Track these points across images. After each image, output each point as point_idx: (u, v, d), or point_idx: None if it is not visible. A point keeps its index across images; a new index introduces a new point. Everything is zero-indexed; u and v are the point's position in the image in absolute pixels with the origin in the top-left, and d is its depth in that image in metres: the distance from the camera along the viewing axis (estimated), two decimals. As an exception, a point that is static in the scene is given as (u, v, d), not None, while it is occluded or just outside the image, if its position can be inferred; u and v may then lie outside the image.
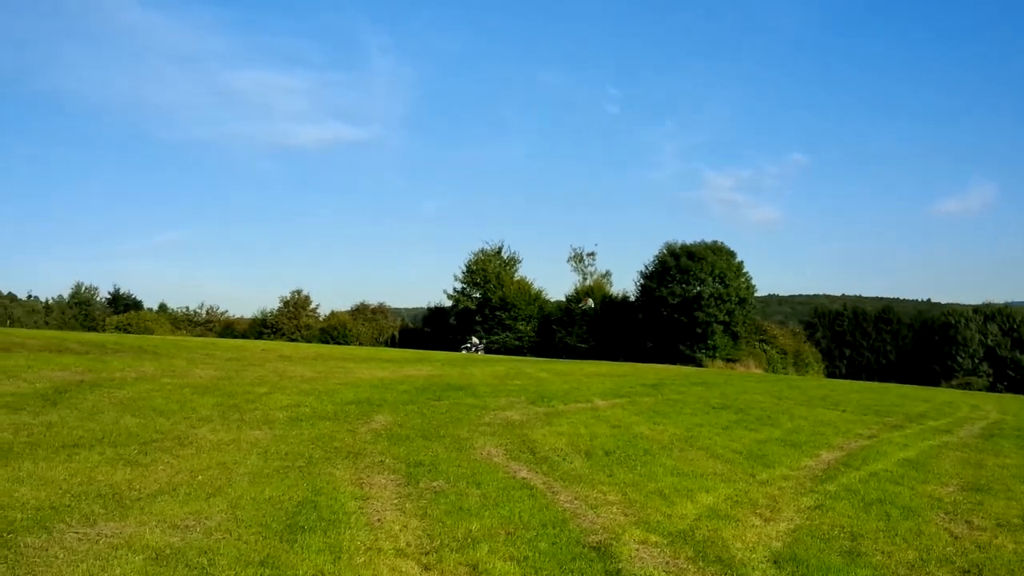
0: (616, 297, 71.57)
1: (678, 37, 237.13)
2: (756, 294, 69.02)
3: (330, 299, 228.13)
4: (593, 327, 67.60)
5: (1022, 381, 77.69)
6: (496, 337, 68.54)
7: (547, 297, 74.04)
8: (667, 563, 6.93)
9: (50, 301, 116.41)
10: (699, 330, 62.00)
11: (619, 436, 13.35)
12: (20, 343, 19.82)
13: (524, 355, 58.05)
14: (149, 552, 6.14)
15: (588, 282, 74.54)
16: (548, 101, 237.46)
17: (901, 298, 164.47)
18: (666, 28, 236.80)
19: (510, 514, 7.98)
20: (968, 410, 25.74)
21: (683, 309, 62.35)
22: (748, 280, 64.85)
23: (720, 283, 62.62)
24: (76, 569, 5.73)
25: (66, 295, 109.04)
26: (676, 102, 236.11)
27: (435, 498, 8.43)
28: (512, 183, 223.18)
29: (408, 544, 6.88)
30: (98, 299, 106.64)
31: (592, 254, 76.83)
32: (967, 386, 69.88)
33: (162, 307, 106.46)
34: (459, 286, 74.27)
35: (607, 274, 76.20)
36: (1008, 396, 46.88)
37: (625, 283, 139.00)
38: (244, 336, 76.20)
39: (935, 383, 70.70)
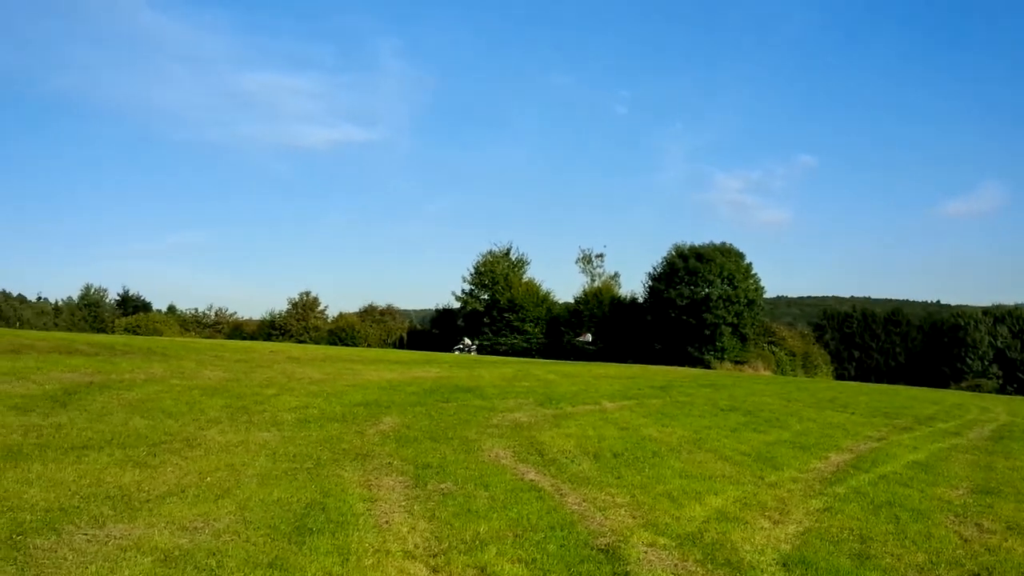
0: (624, 299, 71.59)
1: (687, 38, 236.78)
2: (765, 296, 68.99)
3: (338, 301, 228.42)
4: (601, 329, 67.58)
5: (1032, 383, 77.45)
6: (504, 339, 68.58)
7: (555, 299, 74.18)
8: (675, 565, 6.92)
9: (59, 303, 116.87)
10: (707, 332, 61.97)
11: (627, 438, 13.34)
12: (30, 345, 19.88)
13: (532, 357, 58.07)
14: (158, 554, 6.15)
15: (596, 283, 74.72)
16: (556, 102, 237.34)
17: (910, 300, 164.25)
18: (675, 29, 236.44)
19: (518, 516, 7.97)
20: (978, 412, 25.68)
21: (691, 311, 62.33)
22: (757, 282, 64.83)
23: (729, 285, 62.58)
24: (85, 571, 5.74)
25: (75, 297, 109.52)
26: (685, 103, 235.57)
27: (443, 500, 8.42)
28: (521, 184, 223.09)
29: (416, 546, 6.87)
30: (107, 301, 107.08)
31: (601, 255, 77.06)
32: (977, 388, 69.76)
33: (171, 309, 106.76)
34: (467, 288, 74.55)
35: (615, 276, 76.46)
36: (1018, 398, 46.76)
37: (633, 284, 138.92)
38: (252, 338, 76.43)
39: (944, 385, 70.59)
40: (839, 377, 78.18)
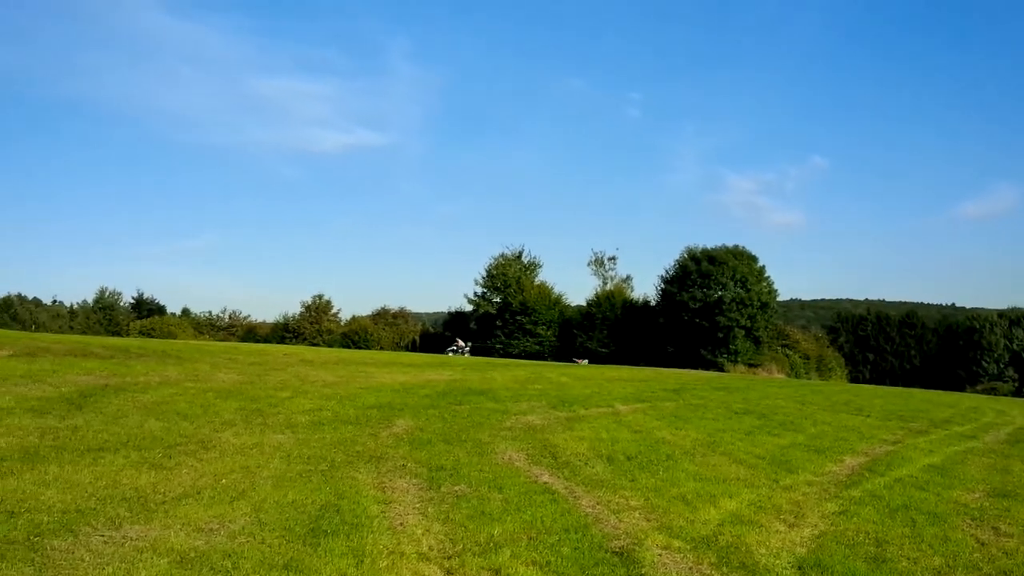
0: (636, 301, 71.48)
1: (699, 40, 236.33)
2: (778, 299, 68.79)
3: (351, 304, 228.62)
4: (614, 332, 67.52)
5: (1048, 386, 77.03)
6: (516, 342, 68.58)
7: (567, 301, 74.11)
8: (690, 568, 6.91)
9: (75, 306, 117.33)
10: (720, 335, 61.86)
11: (641, 441, 13.33)
12: (45, 348, 19.99)
13: (545, 360, 58.05)
14: (174, 555, 6.18)
15: (608, 286, 74.59)
16: (568, 105, 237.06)
17: (925, 302, 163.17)
18: (686, 31, 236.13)
19: (532, 519, 7.98)
20: (994, 415, 25.54)
21: (704, 314, 62.22)
22: (770, 284, 64.69)
23: (741, 287, 62.44)
24: (102, 572, 5.77)
25: (90, 300, 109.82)
26: (697, 105, 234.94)
27: (457, 502, 8.43)
28: (532, 187, 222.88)
29: (430, 548, 6.88)
30: (122, 304, 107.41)
31: (613, 258, 76.95)
32: (992, 391, 69.34)
33: (185, 312, 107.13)
34: (479, 291, 74.57)
35: (627, 278, 76.27)
36: (1034, 401, 46.47)
37: (646, 287, 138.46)
38: (266, 341, 76.58)
39: (960, 388, 70.28)
40: (853, 380, 77.81)
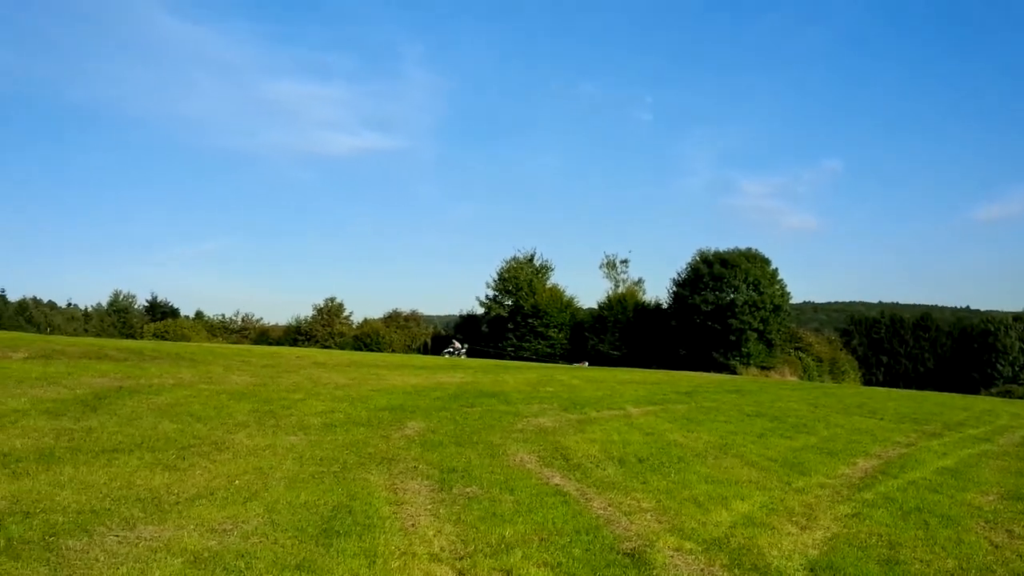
0: (649, 304, 71.36)
1: (712, 44, 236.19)
2: (791, 301, 68.55)
3: (363, 306, 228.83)
4: (626, 335, 67.45)
5: (1063, 389, 76.53)
6: (528, 344, 68.56)
7: (579, 304, 74.03)
8: (702, 570, 6.92)
9: (89, 309, 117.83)
10: (733, 337, 61.70)
11: (652, 443, 13.32)
12: (60, 350, 20.09)
13: (556, 362, 58.03)
14: (187, 555, 6.22)
15: (621, 289, 74.43)
16: (580, 109, 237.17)
17: (939, 305, 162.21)
18: (699, 35, 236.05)
19: (544, 520, 7.99)
20: (1008, 418, 25.42)
21: (716, 316, 62.08)
22: (783, 287, 64.50)
23: (754, 290, 62.28)
24: (116, 572, 5.81)
25: (104, 303, 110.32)
26: (710, 109, 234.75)
27: (468, 504, 8.45)
28: (545, 191, 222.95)
29: (442, 549, 6.91)
30: (136, 307, 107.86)
31: (625, 261, 76.78)
32: (1007, 394, 68.96)
33: (198, 315, 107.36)
34: (491, 293, 74.58)
35: (640, 281, 76.10)
36: (1048, 405, 46.22)
37: (658, 290, 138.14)
38: (279, 343, 76.70)
39: (974, 391, 69.91)
40: (867, 383, 77.53)
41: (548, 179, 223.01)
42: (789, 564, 7.27)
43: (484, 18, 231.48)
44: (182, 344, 39.79)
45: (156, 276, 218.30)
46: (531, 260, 75.53)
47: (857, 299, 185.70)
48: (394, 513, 7.90)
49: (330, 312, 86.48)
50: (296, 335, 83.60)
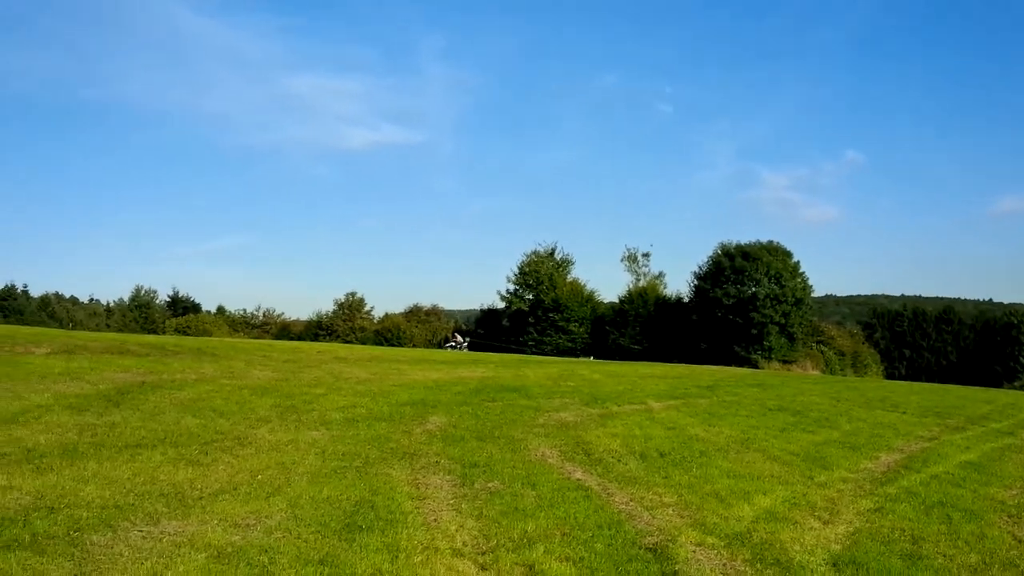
0: (669, 298, 71.16)
1: (733, 35, 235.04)
2: (813, 295, 68.26)
3: (384, 301, 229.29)
4: (647, 329, 67.30)
5: (1088, 382, 75.87)
6: (549, 339, 68.53)
7: (600, 298, 73.91)
8: (724, 565, 6.90)
9: (111, 304, 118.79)
10: (754, 331, 61.42)
11: (674, 438, 13.29)
12: (83, 345, 20.22)
13: (577, 357, 57.97)
14: (211, 550, 6.25)
15: (642, 283, 74.24)
16: (601, 102, 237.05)
17: (962, 298, 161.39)
18: (721, 26, 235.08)
19: (565, 515, 7.99)
20: (1032, 412, 25.21)
21: (738, 310, 61.83)
22: (804, 280, 64.17)
23: (776, 284, 61.99)
24: (141, 567, 5.84)
25: (126, 298, 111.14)
26: (731, 101, 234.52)
27: (490, 499, 8.46)
28: (565, 184, 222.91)
29: (464, 544, 6.91)
30: (157, 302, 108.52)
31: (647, 254, 76.54)
32: (1031, 388, 68.43)
33: (220, 310, 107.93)
34: (512, 288, 74.51)
35: (660, 275, 75.84)
36: (1074, 398, 45.81)
37: (679, 284, 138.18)
38: (300, 338, 76.98)
39: (997, 384, 69.40)
40: (889, 377, 77.05)
41: (568, 172, 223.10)
42: (812, 559, 7.24)
43: (503, 11, 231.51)
44: (204, 339, 39.97)
45: (178, 271, 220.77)
46: (552, 254, 75.48)
47: (879, 292, 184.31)
48: (416, 508, 7.92)
49: (351, 307, 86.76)
50: (317, 330, 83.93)
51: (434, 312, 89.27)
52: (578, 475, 9.92)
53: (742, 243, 65.24)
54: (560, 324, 69.26)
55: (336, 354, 27.96)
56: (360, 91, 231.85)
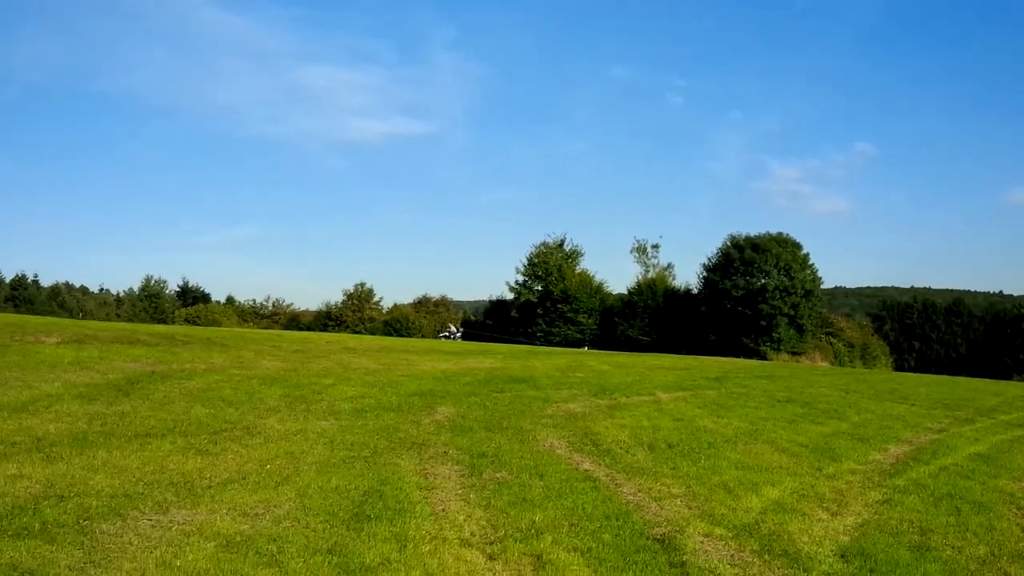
0: (679, 290, 71.10)
1: (745, 27, 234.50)
2: (822, 286, 68.15)
3: (393, 292, 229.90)
4: (655, 320, 67.24)
5: (1099, 375, 75.52)
6: (557, 330, 68.50)
7: (609, 290, 73.85)
8: (732, 556, 6.90)
9: (121, 294, 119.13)
10: (763, 323, 61.34)
11: (682, 429, 13.28)
12: (93, 335, 20.26)
13: (583, 348, 57.95)
14: (220, 539, 6.27)
15: (650, 274, 74.15)
16: (612, 94, 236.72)
17: (972, 290, 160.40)
18: (733, 18, 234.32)
19: (573, 505, 8.00)
20: (1042, 404, 25.13)
21: (747, 302, 61.73)
22: (814, 272, 64.05)
23: (785, 275, 61.88)
24: (150, 555, 5.87)
25: (136, 288, 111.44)
26: (742, 93, 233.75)
27: (498, 489, 8.47)
28: (575, 175, 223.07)
29: (472, 534, 6.93)
30: (167, 292, 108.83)
31: (656, 246, 76.42)
32: (1041, 380, 68.21)
33: (229, 300, 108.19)
34: (521, 279, 74.48)
35: (669, 267, 75.74)
36: (1084, 391, 45.62)
37: (688, 276, 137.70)
38: (309, 328, 77.08)
39: (1007, 377, 69.14)
40: (899, 369, 76.86)
41: (578, 164, 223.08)
42: (820, 550, 7.24)
43: (513, 3, 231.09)
44: (213, 329, 40.06)
45: (187, 261, 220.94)
46: (561, 245, 75.42)
47: (889, 284, 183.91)
48: (424, 498, 7.93)
49: (360, 297, 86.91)
50: (326, 320, 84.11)
51: (443, 303, 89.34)
52: (586, 466, 9.93)
53: (752, 235, 65.23)
54: (569, 315, 69.22)
55: (345, 344, 27.99)
56: (371, 82, 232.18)
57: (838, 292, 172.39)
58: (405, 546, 6.44)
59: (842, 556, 7.15)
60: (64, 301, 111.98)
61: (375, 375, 17.69)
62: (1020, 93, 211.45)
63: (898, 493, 9.81)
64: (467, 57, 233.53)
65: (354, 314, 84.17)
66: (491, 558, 6.42)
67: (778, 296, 60.98)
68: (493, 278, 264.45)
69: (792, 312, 61.66)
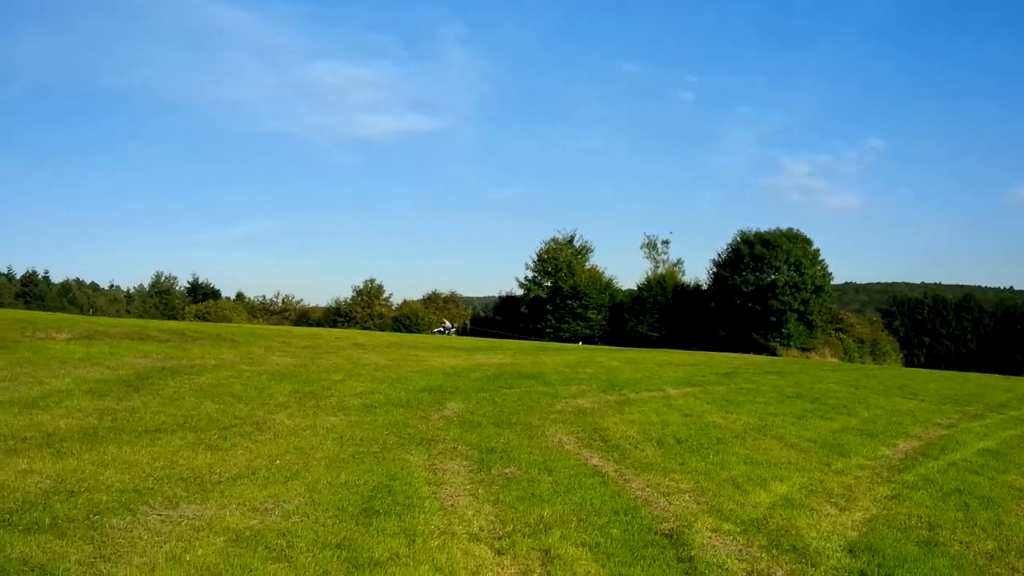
0: (688, 285, 70.91)
1: (756, 22, 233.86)
2: (832, 282, 67.85)
3: (402, 288, 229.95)
4: (665, 316, 67.14)
5: (1110, 371, 75.20)
6: (567, 326, 68.45)
7: (618, 285, 73.70)
8: (740, 551, 6.90)
9: (131, 290, 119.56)
10: (773, 319, 61.16)
11: (691, 425, 13.29)
12: (103, 331, 20.33)
13: (595, 344, 57.93)
14: (230, 534, 6.29)
15: (660, 270, 74.00)
16: (622, 89, 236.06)
17: (982, 286, 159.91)
18: (744, 13, 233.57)
19: (582, 501, 8.01)
20: (1052, 400, 25.04)
21: (757, 297, 61.55)
22: (824, 268, 63.79)
23: (795, 271, 61.66)
24: (160, 550, 5.89)
25: (146, 284, 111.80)
26: (753, 88, 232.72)
27: (507, 484, 8.48)
28: (585, 171, 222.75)
29: (481, 529, 6.94)
30: (177, 288, 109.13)
31: (666, 242, 76.10)
32: (1052, 376, 67.97)
33: (239, 296, 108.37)
34: (530, 275, 74.23)
35: (679, 262, 75.49)
36: (1095, 386, 45.44)
37: (697, 271, 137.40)
38: (319, 324, 77.16)
39: (1017, 373, 68.82)
40: (908, 364, 76.54)
41: (588, 160, 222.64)
42: (828, 545, 7.24)
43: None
44: (223, 325, 40.16)
45: (198, 258, 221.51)
46: (571, 241, 75.22)
47: (899, 279, 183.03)
48: (433, 493, 7.95)
49: (370, 294, 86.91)
50: (336, 316, 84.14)
51: (452, 299, 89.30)
52: (595, 461, 9.94)
53: (762, 230, 64.93)
54: (578, 311, 69.10)
55: (354, 340, 28.04)
56: (380, 79, 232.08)
57: (848, 288, 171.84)
58: (414, 541, 6.46)
59: (850, 551, 7.15)
60: (74, 297, 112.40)
61: (384, 371, 17.73)
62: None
63: (907, 488, 9.80)
64: (476, 53, 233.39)
65: (363, 310, 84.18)
66: (500, 553, 6.43)
67: (788, 292, 60.78)
68: (503, 274, 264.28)
69: (802, 308, 61.47)
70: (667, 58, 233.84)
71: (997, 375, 49.63)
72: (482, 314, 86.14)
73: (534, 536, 6.82)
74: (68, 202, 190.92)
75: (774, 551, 6.97)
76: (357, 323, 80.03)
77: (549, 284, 72.39)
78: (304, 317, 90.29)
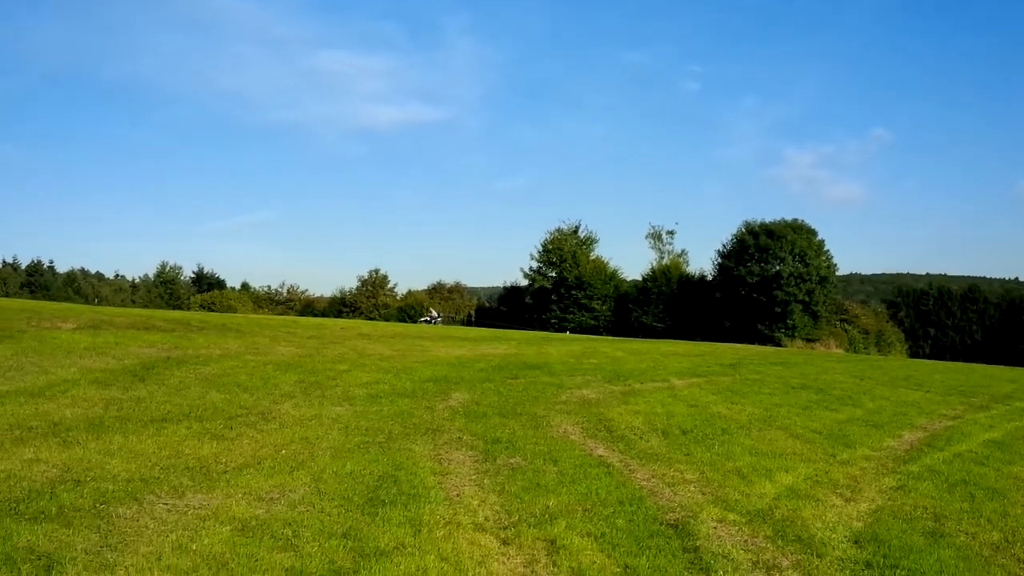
0: (693, 276, 70.87)
1: (761, 12, 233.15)
2: (837, 273, 67.78)
3: (407, 278, 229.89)
4: (670, 307, 67.11)
5: (1115, 362, 75.11)
6: (571, 316, 68.45)
7: (623, 276, 73.68)
8: (745, 541, 6.90)
9: (136, 280, 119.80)
10: (778, 309, 61.14)
11: (696, 415, 13.28)
12: (108, 321, 20.37)
13: (600, 334, 57.94)
14: (235, 523, 6.30)
15: (665, 260, 73.96)
16: (627, 80, 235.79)
17: (988, 277, 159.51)
18: (748, 3, 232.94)
19: (587, 491, 8.00)
20: (1058, 392, 24.99)
21: (761, 288, 61.53)
22: (829, 259, 63.75)
23: (800, 262, 61.62)
24: (166, 539, 5.90)
25: (152, 274, 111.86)
26: (758, 78, 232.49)
27: (512, 474, 8.49)
28: (590, 162, 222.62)
29: (487, 519, 6.95)
30: (183, 278, 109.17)
31: (672, 232, 76.16)
32: (1057, 367, 67.84)
33: (244, 286, 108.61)
34: (535, 265, 74.31)
35: (684, 253, 75.48)
36: (1101, 378, 45.36)
37: (702, 262, 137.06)
38: (323, 315, 77.33)
39: (1022, 363, 68.84)
40: (913, 355, 76.54)
41: (593, 150, 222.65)
42: (833, 536, 7.23)
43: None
44: (228, 315, 40.23)
45: (202, 248, 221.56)
46: (576, 231, 75.22)
47: (904, 270, 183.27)
48: (439, 483, 7.96)
49: (374, 284, 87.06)
50: (341, 306, 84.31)
51: (457, 289, 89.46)
52: (600, 452, 9.93)
53: (767, 221, 64.93)
54: (583, 302, 69.12)
55: (359, 331, 28.06)
56: (385, 68, 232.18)
57: (853, 279, 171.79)
58: (419, 531, 6.47)
59: (855, 542, 7.14)
60: (80, 287, 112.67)
61: (389, 361, 17.75)
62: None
63: (912, 479, 9.79)
64: (481, 42, 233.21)
65: (368, 300, 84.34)
66: (505, 543, 6.43)
67: (793, 283, 60.75)
68: (507, 264, 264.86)
69: (807, 299, 61.44)
70: (672, 48, 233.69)
71: (1002, 366, 49.57)
72: (487, 304, 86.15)
73: (539, 526, 6.82)
74: (73, 192, 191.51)
75: (779, 542, 6.97)
76: (362, 313, 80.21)
77: (554, 275, 72.44)
78: (309, 307, 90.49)
